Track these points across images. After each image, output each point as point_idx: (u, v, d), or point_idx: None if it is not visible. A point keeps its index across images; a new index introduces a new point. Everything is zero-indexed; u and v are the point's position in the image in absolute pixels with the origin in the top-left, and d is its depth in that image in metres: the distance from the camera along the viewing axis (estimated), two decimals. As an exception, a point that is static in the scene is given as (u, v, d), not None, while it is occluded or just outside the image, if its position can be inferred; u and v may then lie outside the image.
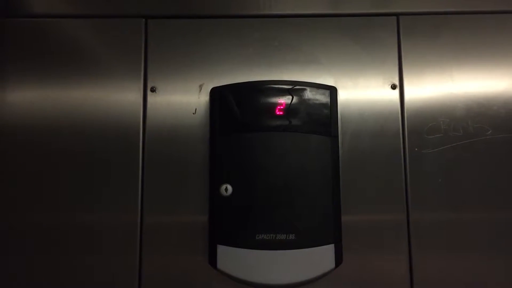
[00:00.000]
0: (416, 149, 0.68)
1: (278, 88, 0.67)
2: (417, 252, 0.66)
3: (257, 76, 0.69)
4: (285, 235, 0.63)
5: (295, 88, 0.67)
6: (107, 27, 0.71)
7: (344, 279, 0.66)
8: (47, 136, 0.68)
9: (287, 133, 0.66)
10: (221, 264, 0.63)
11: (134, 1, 0.72)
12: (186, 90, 0.69)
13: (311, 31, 0.71)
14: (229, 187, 0.64)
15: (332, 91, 0.68)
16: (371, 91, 0.70)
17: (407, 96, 0.69)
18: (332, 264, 0.64)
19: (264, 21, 0.71)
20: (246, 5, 0.72)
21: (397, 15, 0.71)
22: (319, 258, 0.64)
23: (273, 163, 0.65)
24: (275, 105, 0.66)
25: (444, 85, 0.70)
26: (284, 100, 0.66)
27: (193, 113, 0.69)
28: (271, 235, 0.63)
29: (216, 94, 0.68)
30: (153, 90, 0.69)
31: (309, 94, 0.67)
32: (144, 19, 0.71)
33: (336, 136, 0.67)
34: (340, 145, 0.67)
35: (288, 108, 0.66)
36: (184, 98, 0.69)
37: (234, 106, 0.66)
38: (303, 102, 0.66)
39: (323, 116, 0.67)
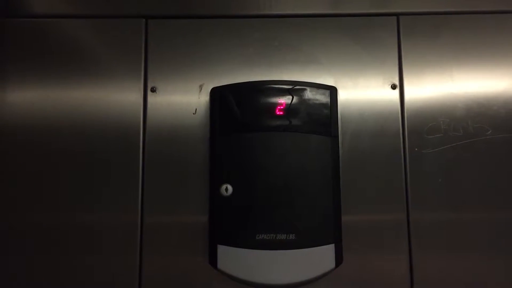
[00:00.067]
0: (416, 149, 0.68)
1: (278, 88, 0.67)
2: (417, 252, 0.66)
3: (257, 76, 0.69)
4: (285, 235, 0.63)
5: (295, 88, 0.67)
6: (107, 27, 0.71)
7: (344, 279, 0.66)
8: (47, 136, 0.68)
9: (287, 133, 0.66)
10: (222, 264, 0.63)
11: (134, 1, 0.72)
12: (186, 90, 0.69)
13: (311, 31, 0.71)
14: (229, 187, 0.64)
15: (332, 91, 0.68)
16: (371, 91, 0.70)
17: (407, 96, 0.69)
18: (332, 264, 0.64)
19: (264, 21, 0.71)
20: (246, 5, 0.72)
21: (397, 15, 0.71)
22: (319, 258, 0.64)
23: (273, 163, 0.65)
24: (275, 105, 0.66)
25: (444, 85, 0.70)
26: (284, 100, 0.66)
27: (193, 113, 0.69)
28: (271, 235, 0.63)
29: (216, 94, 0.68)
30: (153, 90, 0.69)
31: (309, 94, 0.67)
32: (144, 19, 0.71)
33: (336, 136, 0.67)
34: (340, 145, 0.67)
35: (288, 108, 0.66)
36: (184, 98, 0.69)
37: (234, 106, 0.66)
38: (303, 102, 0.66)
39: (323, 116, 0.67)
